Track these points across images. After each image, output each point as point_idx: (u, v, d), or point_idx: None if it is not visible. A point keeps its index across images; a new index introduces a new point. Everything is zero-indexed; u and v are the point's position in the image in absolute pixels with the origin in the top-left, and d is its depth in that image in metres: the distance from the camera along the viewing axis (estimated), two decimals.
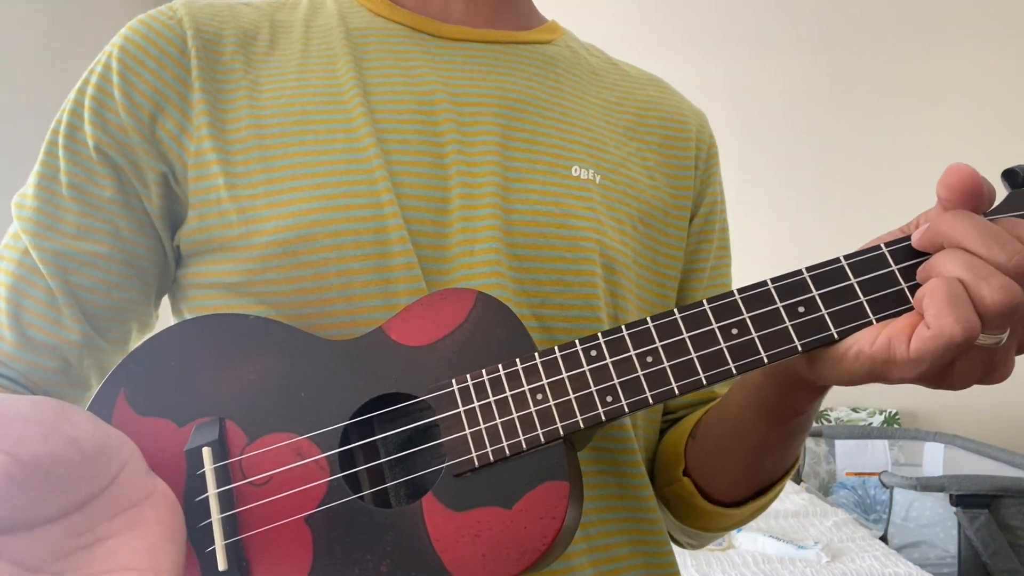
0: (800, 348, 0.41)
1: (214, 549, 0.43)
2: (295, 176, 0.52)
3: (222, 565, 0.43)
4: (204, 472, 0.45)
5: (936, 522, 2.05)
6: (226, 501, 0.44)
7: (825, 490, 2.87)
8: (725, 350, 0.41)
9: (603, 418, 0.42)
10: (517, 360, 0.44)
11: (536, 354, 0.44)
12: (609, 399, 0.42)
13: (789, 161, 3.04)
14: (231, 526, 0.44)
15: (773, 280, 0.42)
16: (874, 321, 0.40)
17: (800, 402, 0.49)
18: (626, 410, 0.42)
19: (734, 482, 0.58)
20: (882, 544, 1.97)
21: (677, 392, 0.41)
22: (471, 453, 0.43)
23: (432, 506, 0.43)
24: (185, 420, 0.47)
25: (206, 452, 0.45)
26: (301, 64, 0.56)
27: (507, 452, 0.42)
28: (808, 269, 0.42)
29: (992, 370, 0.38)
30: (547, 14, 0.70)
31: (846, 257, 0.41)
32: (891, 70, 3.01)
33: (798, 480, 2.92)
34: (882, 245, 0.41)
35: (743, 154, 2.96)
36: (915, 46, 2.99)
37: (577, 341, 0.43)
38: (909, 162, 2.95)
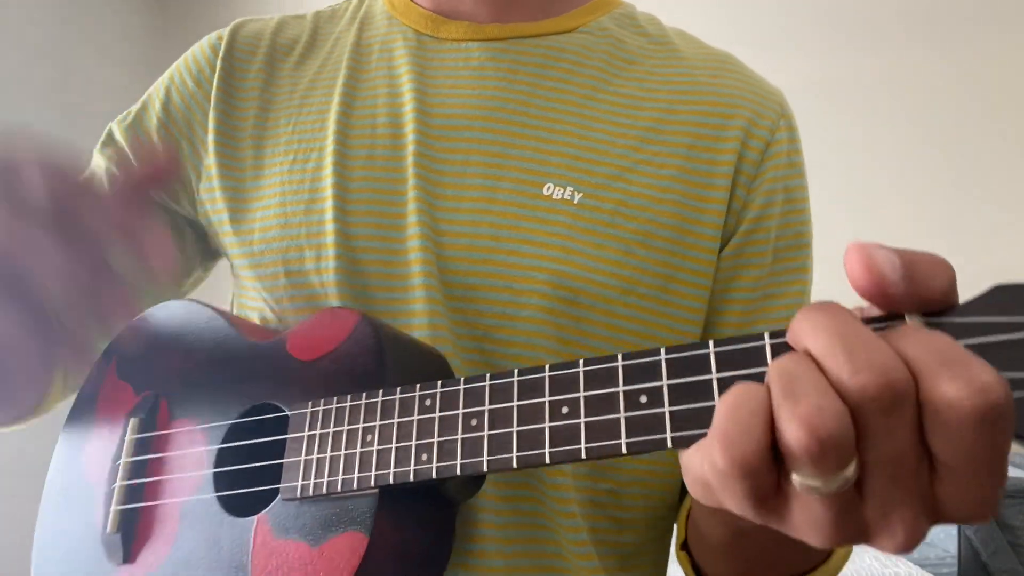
0: (624, 449, 0.32)
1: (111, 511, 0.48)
2: (271, 195, 0.55)
3: (110, 528, 0.47)
4: (126, 439, 0.50)
5: None
6: (136, 470, 0.49)
7: None
8: (547, 431, 0.34)
9: (411, 478, 0.37)
10: (364, 395, 0.41)
11: (380, 392, 0.40)
12: (424, 457, 0.37)
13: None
14: (132, 494, 0.48)
15: (625, 356, 0.33)
16: None
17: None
18: (433, 475, 0.37)
19: (721, 573, 0.49)
20: None
21: (485, 468, 0.35)
22: (298, 481, 0.41)
23: (262, 525, 0.42)
24: (140, 389, 0.52)
25: (132, 422, 0.50)
26: (310, 83, 0.58)
27: (325, 489, 0.40)
28: (668, 350, 0.32)
29: (866, 530, 0.26)
30: None
31: (716, 343, 0.31)
32: (901, 69, 2.41)
33: None
34: (766, 334, 0.30)
35: None
36: (934, 44, 2.37)
37: (419, 386, 0.39)
38: (919, 162, 2.35)
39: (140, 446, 0.50)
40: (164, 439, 0.49)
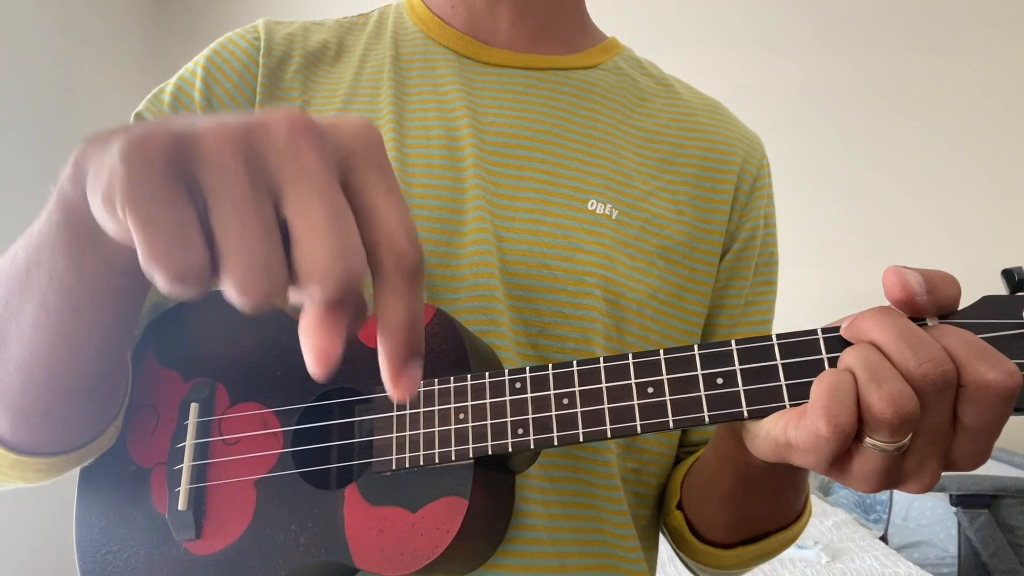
0: (707, 420, 0.40)
1: (180, 490, 0.50)
2: None
3: (181, 506, 0.50)
4: (188, 423, 0.52)
5: (936, 522, 2.01)
6: (200, 452, 0.51)
7: (825, 490, 2.81)
8: (636, 407, 0.42)
9: (509, 449, 0.44)
10: (451, 379, 0.47)
11: (468, 376, 0.46)
12: (520, 431, 0.44)
13: (792, 163, 2.72)
14: (199, 474, 0.51)
15: (700, 346, 0.41)
16: (787, 406, 0.38)
17: (749, 456, 0.47)
18: (531, 446, 0.43)
19: (716, 523, 0.58)
20: (882, 544, 1.96)
21: (581, 439, 0.42)
22: (392, 455, 0.46)
23: (353, 495, 0.47)
24: (189, 376, 0.55)
25: (193, 407, 0.52)
26: (350, 88, 0.61)
27: (421, 462, 0.45)
28: (737, 342, 0.41)
29: (902, 478, 0.36)
30: None
31: (779, 336, 0.40)
32: (895, 70, 2.75)
33: None
34: (819, 330, 0.39)
35: None
36: (926, 46, 2.74)
37: (507, 371, 0.45)
38: (920, 163, 2.66)
39: (202, 429, 0.52)
40: (228, 421, 0.52)
